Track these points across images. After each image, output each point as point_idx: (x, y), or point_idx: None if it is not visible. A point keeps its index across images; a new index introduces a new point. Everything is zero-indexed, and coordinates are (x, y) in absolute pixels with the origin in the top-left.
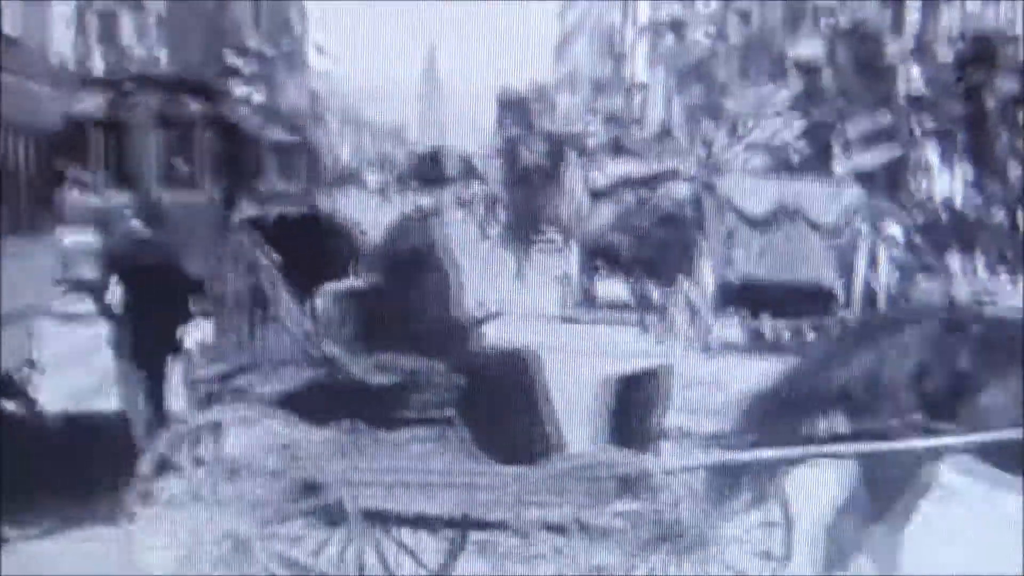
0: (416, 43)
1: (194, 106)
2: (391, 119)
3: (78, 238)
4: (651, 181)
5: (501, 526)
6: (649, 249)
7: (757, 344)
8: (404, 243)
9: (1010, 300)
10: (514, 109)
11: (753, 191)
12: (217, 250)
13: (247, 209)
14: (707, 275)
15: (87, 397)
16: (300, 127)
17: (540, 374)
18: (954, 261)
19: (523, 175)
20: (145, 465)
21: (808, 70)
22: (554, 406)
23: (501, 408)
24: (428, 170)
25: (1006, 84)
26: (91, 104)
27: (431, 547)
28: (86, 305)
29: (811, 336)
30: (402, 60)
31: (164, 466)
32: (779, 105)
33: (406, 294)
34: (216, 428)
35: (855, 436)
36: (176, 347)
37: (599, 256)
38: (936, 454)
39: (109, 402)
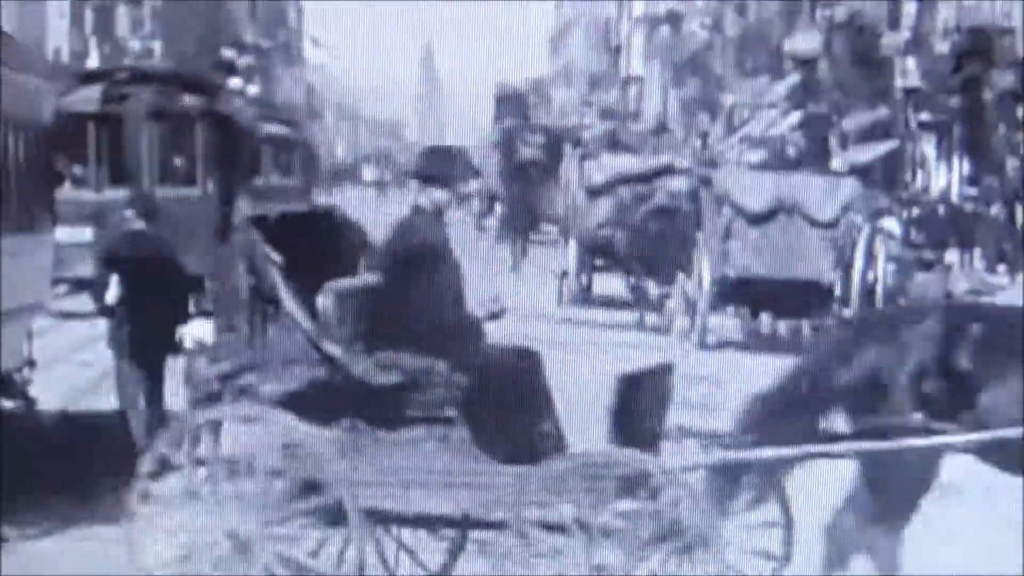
0: (414, 39)
1: (189, 100)
2: (388, 115)
3: (74, 235)
4: (648, 177)
5: (502, 526)
6: (646, 244)
7: (754, 340)
8: (414, 240)
9: (1008, 295)
10: (511, 104)
11: (750, 185)
12: (216, 248)
13: (244, 205)
14: (704, 270)
15: (85, 396)
16: (296, 122)
17: (541, 373)
18: (952, 255)
19: (519, 169)
20: (145, 464)
21: (804, 62)
22: (555, 405)
23: (502, 408)
24: (437, 166)
25: (1003, 77)
26: (84, 98)
27: (431, 547)
28: (84, 303)
29: (808, 332)
30: (400, 56)
31: (164, 465)
32: (775, 97)
33: (416, 292)
34: (216, 427)
35: (856, 435)
36: (176, 346)
37: (596, 252)
38: (937, 453)
39: (107, 401)
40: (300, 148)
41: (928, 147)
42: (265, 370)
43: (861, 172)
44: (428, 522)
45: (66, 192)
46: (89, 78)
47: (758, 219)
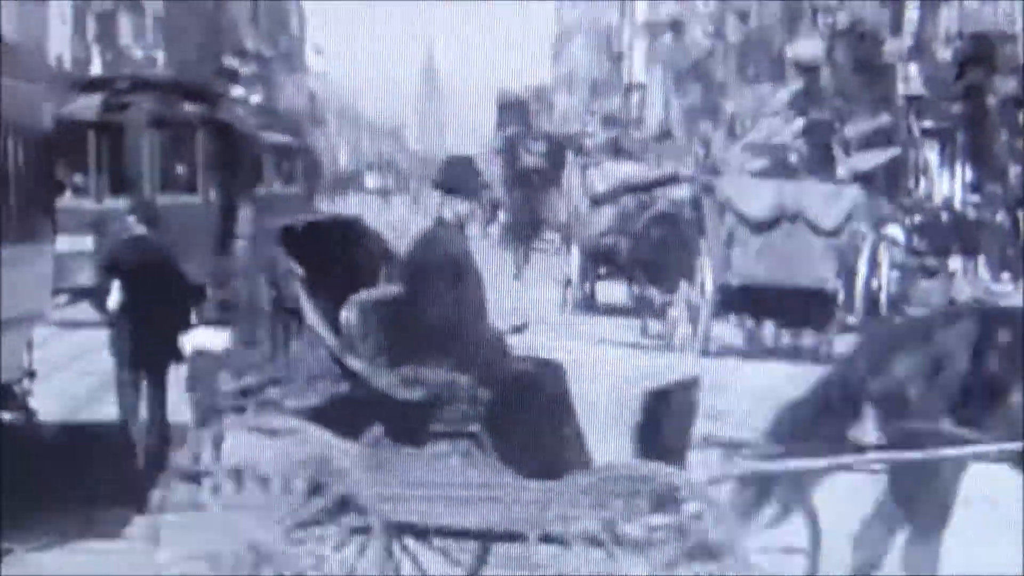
0: (415, 44)
1: (190, 108)
2: (390, 120)
3: (75, 244)
4: (651, 186)
5: (525, 540)
6: (649, 252)
7: (756, 347)
8: (437, 252)
9: (1012, 302)
10: (513, 111)
11: (753, 192)
12: (220, 256)
13: (247, 214)
14: (707, 278)
15: (85, 405)
16: (298, 130)
17: (565, 386)
18: (955, 263)
19: (522, 177)
20: (165, 474)
21: (806, 69)
22: (578, 418)
23: (526, 422)
24: (459, 176)
25: (1005, 83)
26: (85, 106)
27: (454, 560)
28: (84, 312)
29: (809, 340)
30: (401, 61)
31: (184, 475)
32: (777, 104)
33: (439, 305)
34: (236, 438)
35: (883, 446)
36: (178, 353)
37: (599, 260)
38: (965, 462)
39: (108, 411)
40: (302, 156)
41: (931, 154)
42: (288, 384)
43: (864, 179)
44: (452, 536)
45: (67, 201)
46: (90, 86)
47: (761, 227)
